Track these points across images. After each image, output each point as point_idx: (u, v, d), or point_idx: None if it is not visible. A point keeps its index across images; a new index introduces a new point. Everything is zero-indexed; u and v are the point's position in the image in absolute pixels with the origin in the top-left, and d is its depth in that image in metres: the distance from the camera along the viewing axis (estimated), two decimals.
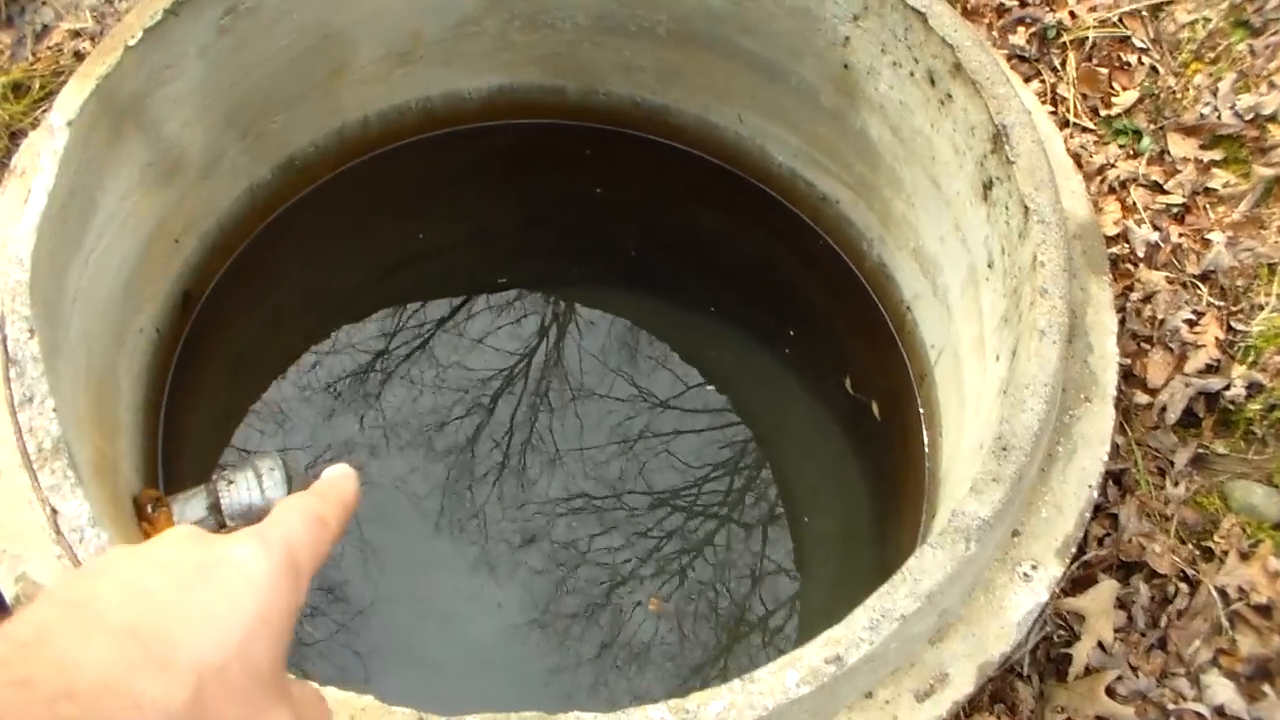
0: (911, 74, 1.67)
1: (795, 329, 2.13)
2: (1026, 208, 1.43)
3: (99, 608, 0.53)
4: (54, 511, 1.23)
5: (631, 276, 2.24)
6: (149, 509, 1.57)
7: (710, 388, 2.10)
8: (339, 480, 0.71)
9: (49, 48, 2.30)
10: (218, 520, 1.59)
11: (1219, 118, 2.06)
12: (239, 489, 1.61)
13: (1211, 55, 2.15)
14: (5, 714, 0.48)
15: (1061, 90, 2.17)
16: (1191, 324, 1.90)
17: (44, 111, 2.15)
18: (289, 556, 0.61)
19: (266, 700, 0.56)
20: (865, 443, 2.02)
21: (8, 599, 1.26)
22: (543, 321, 2.17)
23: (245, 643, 0.55)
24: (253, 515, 1.61)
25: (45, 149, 1.45)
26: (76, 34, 2.30)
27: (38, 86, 2.22)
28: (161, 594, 0.55)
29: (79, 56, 2.26)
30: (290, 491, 1.64)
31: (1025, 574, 1.30)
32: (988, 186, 1.57)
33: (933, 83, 1.63)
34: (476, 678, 1.86)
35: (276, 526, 0.63)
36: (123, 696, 0.50)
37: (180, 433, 1.90)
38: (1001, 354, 1.52)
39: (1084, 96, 2.16)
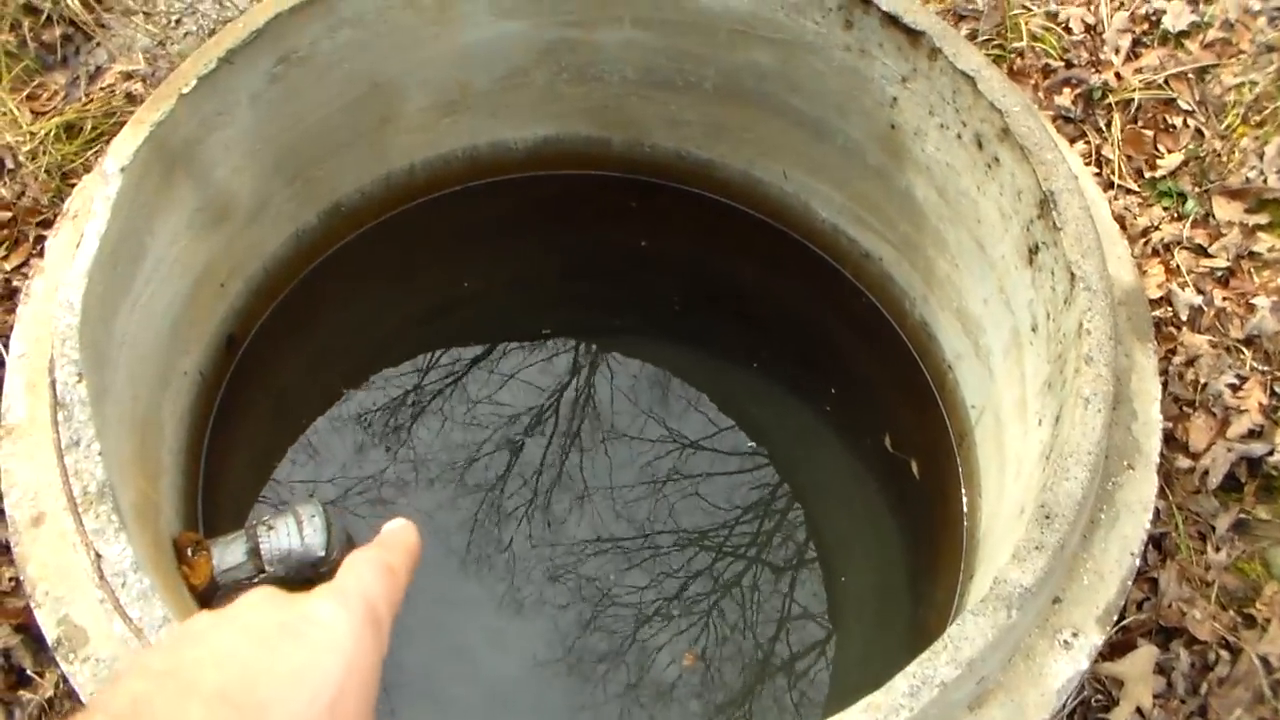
0: (959, 136, 1.68)
1: (836, 385, 2.13)
2: (1073, 274, 1.42)
3: (190, 675, 0.54)
4: (98, 556, 1.24)
5: (673, 329, 2.25)
6: (189, 552, 1.58)
7: (751, 444, 2.09)
8: (400, 531, 0.74)
9: (102, 89, 2.34)
10: (256, 565, 1.60)
11: (1265, 181, 2.06)
12: (279, 535, 1.61)
13: (1258, 119, 2.15)
14: None
15: (1106, 152, 2.17)
16: (1235, 389, 1.90)
17: (96, 153, 2.19)
18: (368, 609, 0.62)
19: None
20: (903, 501, 2.01)
21: (50, 640, 1.27)
22: (585, 372, 2.17)
23: (335, 699, 0.56)
24: (291, 561, 1.62)
25: (98, 194, 1.47)
26: (129, 76, 2.34)
27: (90, 127, 2.26)
28: (250, 657, 0.56)
29: (131, 98, 2.29)
30: (329, 538, 1.65)
31: (1066, 641, 1.29)
32: (1033, 251, 1.56)
33: (980, 146, 1.64)
34: (500, 712, 1.86)
35: (351, 580, 0.64)
36: None
37: (220, 475, 1.91)
38: (1044, 418, 1.51)
39: (1129, 158, 2.16)
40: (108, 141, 2.11)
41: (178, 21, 2.45)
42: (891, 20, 1.66)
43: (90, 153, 2.21)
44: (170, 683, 0.54)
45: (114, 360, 1.52)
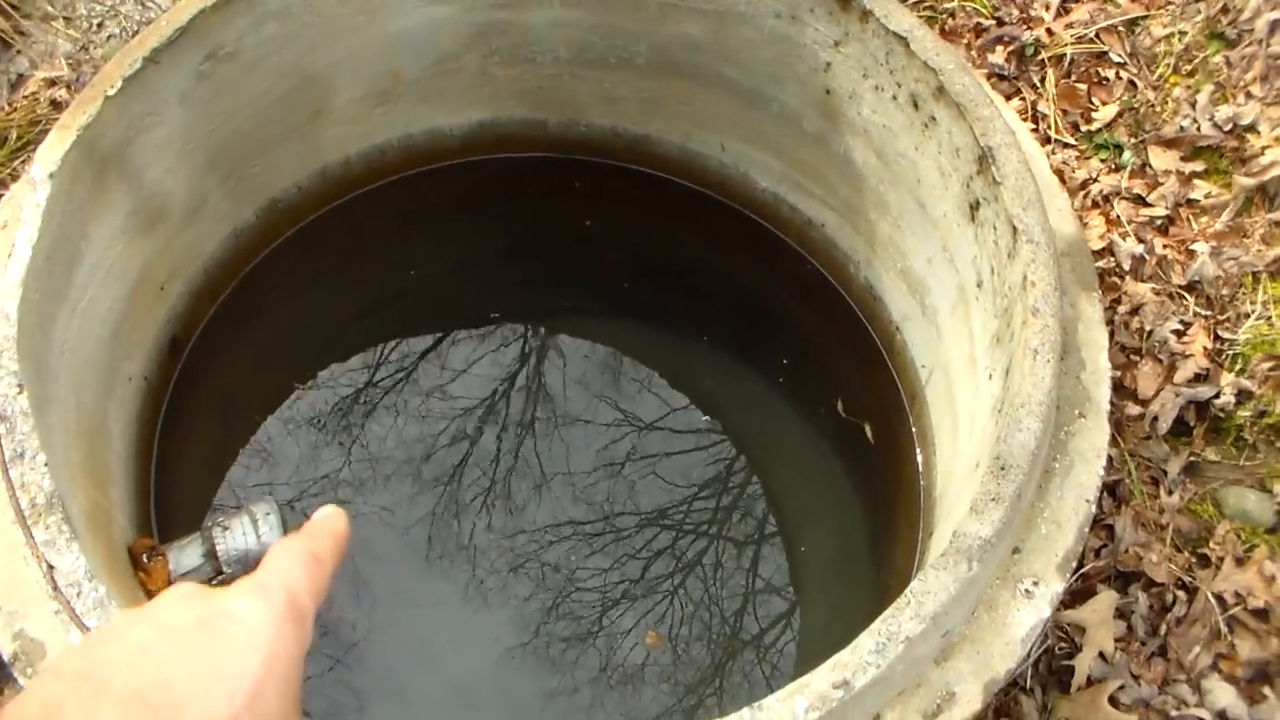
0: (894, 98, 1.68)
1: (786, 354, 2.13)
2: (1015, 228, 1.43)
3: (104, 676, 0.53)
4: (50, 567, 1.22)
5: (622, 307, 2.24)
6: (144, 558, 1.56)
7: (705, 419, 2.09)
8: (328, 518, 0.74)
9: (25, 97, 2.30)
10: (214, 567, 1.58)
11: (1199, 129, 2.08)
12: (234, 535, 1.59)
13: (1189, 68, 2.17)
14: None
15: (1042, 107, 2.18)
16: (1179, 334, 1.92)
17: (22, 163, 2.15)
18: (290, 600, 0.61)
19: None
20: (859, 464, 2.02)
21: (5, 656, 1.25)
22: (535, 355, 2.16)
23: (253, 695, 0.55)
24: (249, 561, 1.60)
25: (27, 202, 1.44)
26: (52, 83, 2.30)
27: (15, 137, 2.22)
28: (165, 656, 0.55)
29: (56, 105, 2.26)
30: (286, 535, 1.63)
31: (1027, 590, 1.30)
32: (975, 208, 1.57)
33: (916, 106, 1.64)
34: (470, 707, 1.85)
35: (273, 572, 0.63)
36: None
37: (172, 479, 1.89)
38: (994, 373, 1.52)
39: (1064, 113, 2.17)
40: (34, 150, 2.08)
41: (99, 25, 2.42)
42: None
43: (16, 162, 2.18)
44: (83, 684, 0.53)
45: (55, 369, 1.49)
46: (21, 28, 2.38)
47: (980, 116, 1.52)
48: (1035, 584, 1.31)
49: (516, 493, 2.02)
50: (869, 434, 2.01)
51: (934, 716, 1.23)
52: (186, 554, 1.57)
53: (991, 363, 1.54)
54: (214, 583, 1.58)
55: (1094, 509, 1.37)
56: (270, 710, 0.55)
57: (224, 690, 0.54)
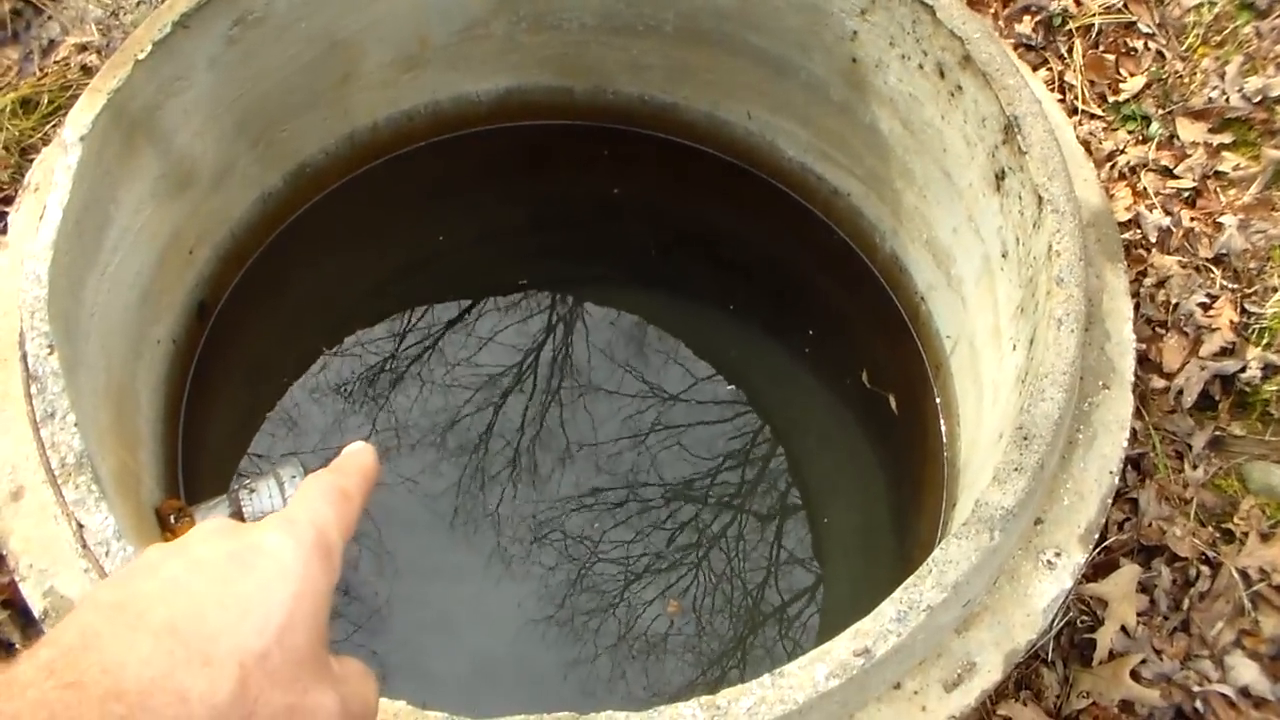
0: (920, 66, 1.67)
1: (811, 324, 2.13)
2: (1040, 197, 1.43)
3: (139, 608, 0.54)
4: (79, 525, 1.24)
5: (649, 275, 2.25)
6: (171, 519, 1.58)
7: (730, 388, 2.10)
8: (356, 454, 0.73)
9: (56, 62, 2.31)
10: None
11: (1227, 101, 2.07)
12: (261, 496, 1.61)
13: (1218, 39, 2.15)
14: (58, 716, 0.49)
15: (1069, 78, 2.17)
16: (1206, 308, 1.91)
17: (53, 127, 2.16)
18: (318, 536, 0.62)
19: (311, 681, 0.57)
20: (883, 435, 2.02)
21: (36, 612, 1.27)
22: (562, 324, 2.17)
23: (284, 627, 0.56)
24: None
25: (59, 165, 1.45)
26: (83, 48, 2.31)
27: (46, 101, 2.23)
28: (198, 589, 0.56)
29: (86, 70, 2.27)
30: None
31: (1049, 561, 1.31)
32: (1000, 177, 1.57)
33: (942, 75, 1.63)
34: (495, 675, 1.86)
35: (302, 508, 0.64)
36: (169, 693, 0.51)
37: (199, 442, 1.91)
38: (1019, 343, 1.52)
39: (1091, 83, 2.16)
40: (65, 115, 2.09)
41: None
42: None
43: (48, 127, 2.19)
44: (119, 615, 0.54)
45: (85, 331, 1.51)
46: None
47: (1006, 85, 1.52)
48: (1057, 555, 1.31)
49: (541, 462, 2.02)
50: (893, 405, 2.01)
51: (954, 686, 1.23)
52: (214, 515, 1.58)
53: (1016, 333, 1.54)
54: None
55: (1117, 481, 1.37)
56: (299, 643, 0.56)
57: (254, 623, 0.55)
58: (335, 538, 0.63)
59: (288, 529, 0.61)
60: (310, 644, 0.57)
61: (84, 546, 1.24)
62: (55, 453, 1.28)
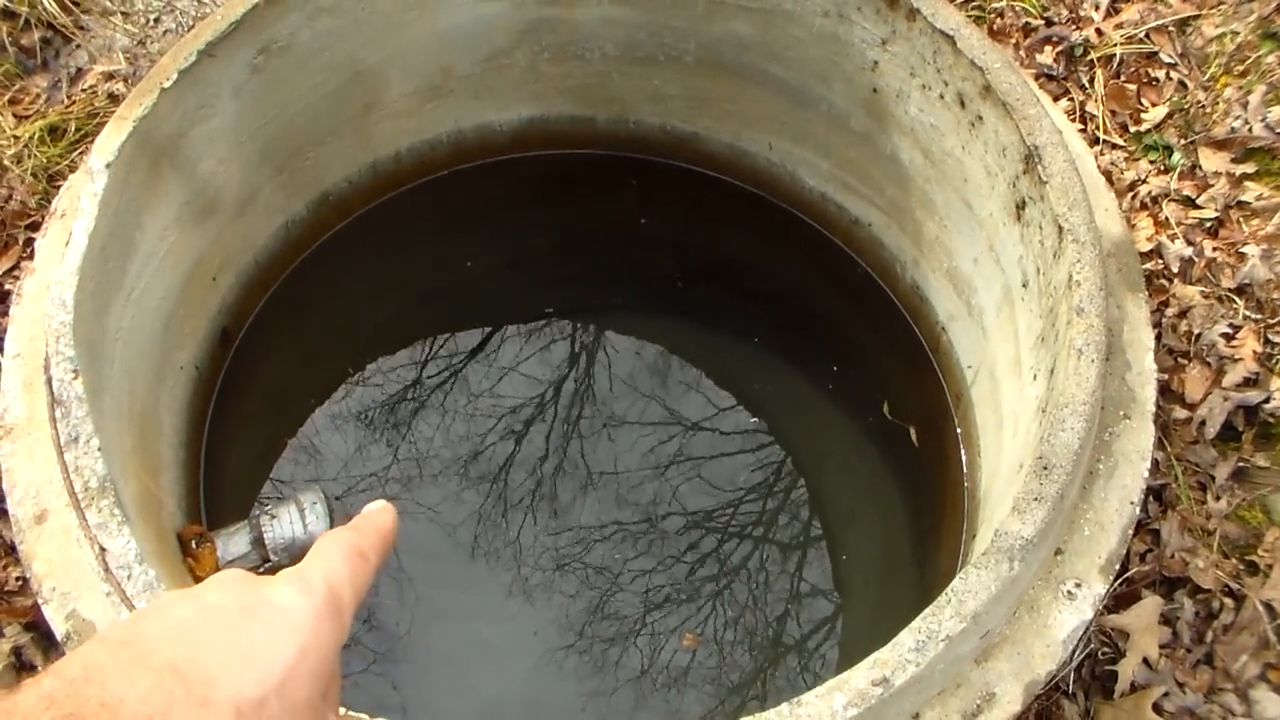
0: (941, 96, 1.68)
1: (833, 355, 2.13)
2: (1061, 227, 1.43)
3: (145, 647, 0.55)
4: (102, 549, 1.24)
5: (672, 305, 2.25)
6: (193, 544, 1.59)
7: (753, 420, 2.10)
8: (376, 515, 0.74)
9: (83, 90, 2.34)
10: (261, 554, 1.60)
11: (1250, 131, 2.06)
12: (281, 523, 1.62)
13: (1240, 68, 2.15)
14: None
15: (1090, 108, 2.17)
16: (1228, 338, 1.90)
17: (81, 154, 2.18)
18: (330, 594, 0.63)
19: None
20: (904, 465, 2.02)
21: (59, 635, 1.27)
22: (586, 353, 2.17)
23: (285, 680, 0.57)
24: (295, 549, 1.62)
25: (85, 191, 1.47)
26: (110, 76, 2.34)
27: (74, 129, 2.25)
28: (205, 634, 0.58)
29: (113, 98, 2.29)
30: (332, 525, 1.65)
31: (1069, 592, 1.30)
32: (1020, 207, 1.57)
33: (963, 105, 1.64)
34: (515, 703, 1.86)
35: (317, 565, 0.65)
36: None
37: (221, 468, 1.91)
38: (1039, 373, 1.51)
39: (1113, 113, 2.16)
40: (92, 142, 2.11)
41: (156, 20, 2.45)
42: None
43: (75, 154, 2.21)
44: (124, 652, 0.55)
45: (109, 356, 1.52)
46: (81, 22, 2.41)
47: (1027, 115, 1.52)
48: (1078, 586, 1.30)
49: (562, 492, 2.03)
50: (914, 437, 2.01)
51: (974, 717, 1.23)
52: (234, 541, 1.59)
53: (1036, 363, 1.54)
54: (261, 570, 1.60)
55: (1138, 511, 1.36)
56: (299, 698, 0.58)
57: (256, 672, 0.56)
58: (347, 597, 0.65)
59: (301, 585, 0.63)
60: (310, 699, 0.59)
61: (106, 570, 1.24)
62: (79, 477, 1.28)
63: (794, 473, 2.07)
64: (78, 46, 2.40)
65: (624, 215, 2.28)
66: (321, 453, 2.04)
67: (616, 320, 2.21)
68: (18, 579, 1.77)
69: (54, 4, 2.38)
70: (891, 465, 2.05)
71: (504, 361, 2.15)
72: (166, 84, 1.59)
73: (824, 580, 1.96)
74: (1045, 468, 1.26)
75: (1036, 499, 1.24)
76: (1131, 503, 1.37)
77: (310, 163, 1.99)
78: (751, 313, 2.23)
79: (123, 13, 2.45)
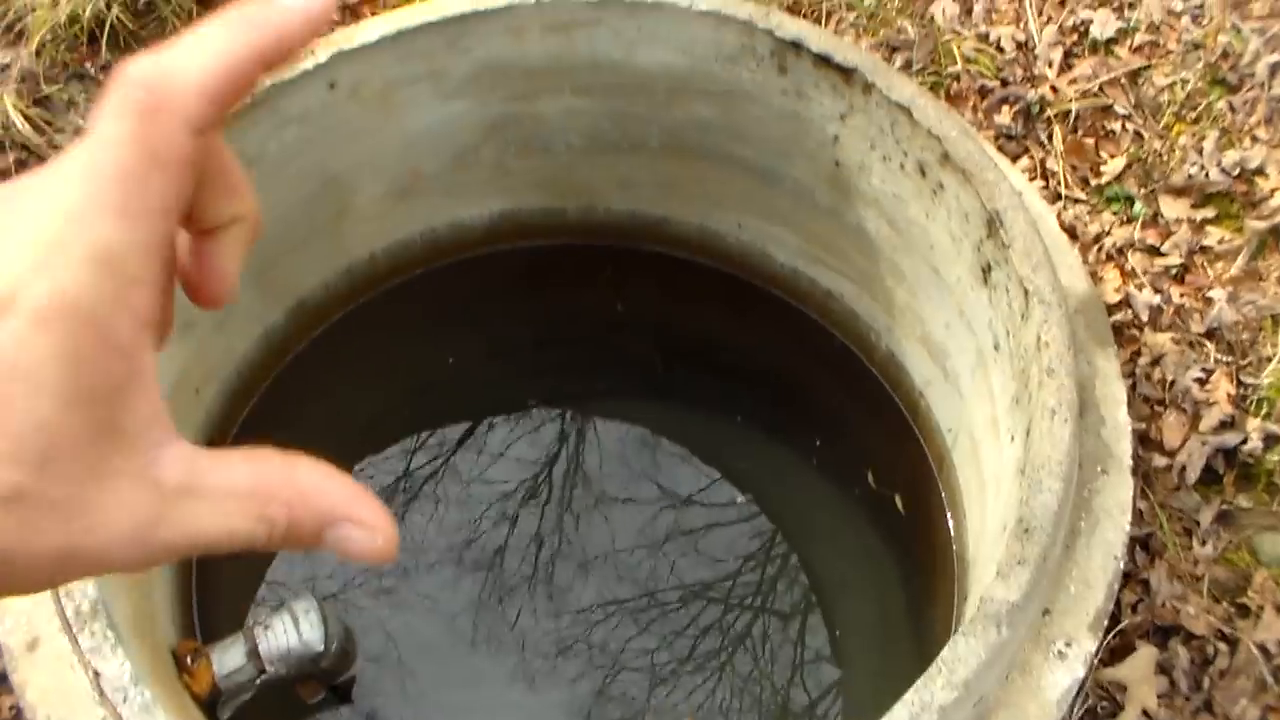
0: (902, 166, 1.71)
1: (816, 428, 2.15)
2: (1026, 290, 1.45)
3: None
4: (96, 673, 1.25)
5: (655, 389, 2.27)
6: (188, 660, 1.59)
7: (741, 498, 2.11)
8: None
9: None
10: (257, 666, 1.60)
11: (1207, 176, 2.10)
12: (275, 633, 1.62)
13: (1193, 115, 2.19)
14: None
15: (1050, 164, 2.21)
16: (1202, 382, 1.92)
17: None
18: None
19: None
20: (893, 532, 2.03)
21: None
22: (573, 442, 2.18)
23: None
24: (291, 659, 1.63)
25: None
26: None
27: None
28: None
29: None
30: (327, 630, 1.66)
31: (1060, 651, 1.31)
32: (986, 270, 1.59)
33: (923, 174, 1.67)
34: None
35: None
36: None
37: (213, 576, 1.91)
38: (1016, 434, 1.53)
39: (1073, 168, 2.20)
40: None
41: None
42: (823, 61, 1.70)
43: None
44: None
45: None
46: (55, 142, 2.44)
47: (986, 181, 1.54)
48: (1068, 644, 1.31)
49: (558, 577, 2.03)
50: (899, 505, 2.02)
51: None
52: (230, 655, 1.59)
53: (1012, 424, 1.56)
54: (258, 681, 1.61)
55: (1123, 565, 1.38)
56: (60, 467, 0.36)
57: None
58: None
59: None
60: (76, 445, 0.36)
61: (101, 694, 1.25)
62: (70, 600, 1.29)
63: (785, 546, 2.08)
64: None
65: (601, 302, 2.30)
66: (317, 556, 2.04)
67: (600, 407, 2.23)
68: (11, 708, 1.76)
69: (27, 126, 2.41)
70: (881, 532, 2.06)
71: (491, 454, 2.16)
72: None
73: (822, 650, 1.97)
74: (1026, 530, 1.27)
75: (1019, 562, 1.25)
76: (1115, 557, 1.38)
77: (285, 271, 2.01)
78: (733, 391, 2.24)
79: None
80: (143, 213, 0.38)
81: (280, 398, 2.10)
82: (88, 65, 2.53)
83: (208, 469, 0.39)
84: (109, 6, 2.50)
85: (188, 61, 0.39)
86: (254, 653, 1.59)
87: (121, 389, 0.37)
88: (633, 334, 2.30)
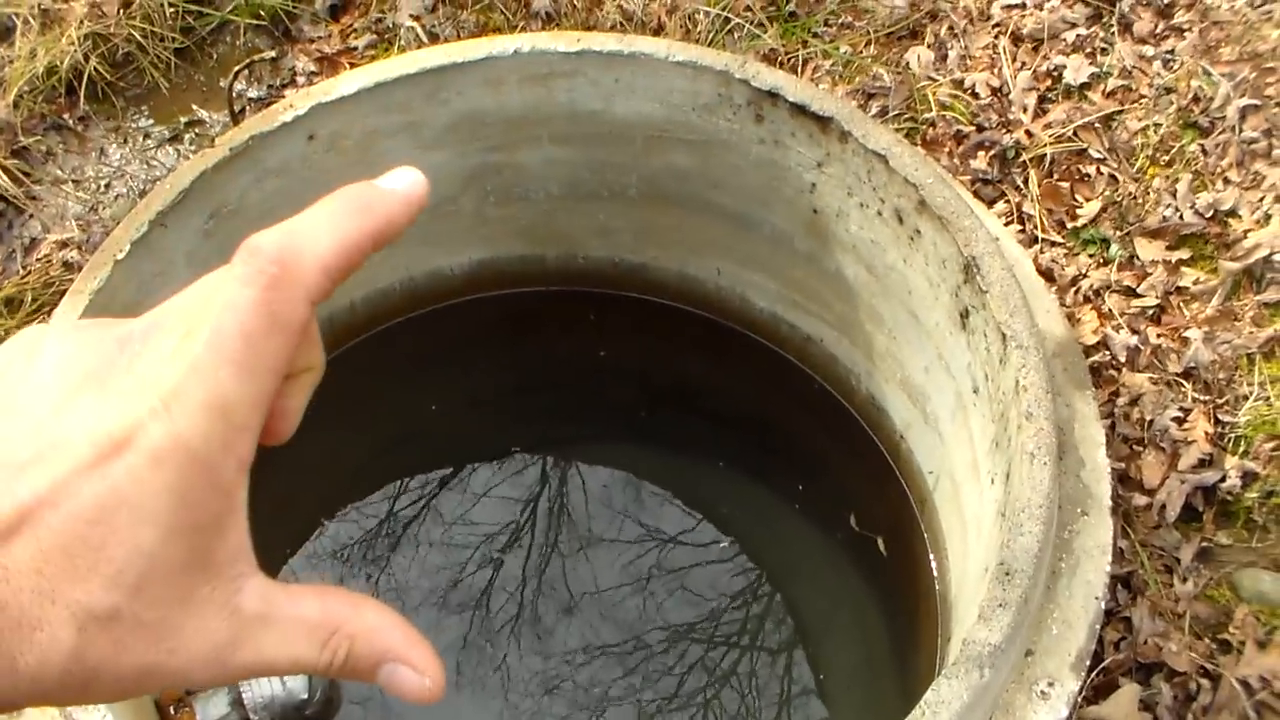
0: (879, 213, 1.72)
1: (798, 471, 2.16)
2: (1004, 334, 1.46)
3: None
4: None
5: (637, 434, 2.28)
6: (172, 710, 1.58)
7: (724, 541, 2.11)
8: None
9: (38, 260, 2.36)
10: (241, 715, 1.60)
11: (1181, 218, 2.12)
12: (260, 682, 1.62)
13: (1166, 158, 2.21)
14: None
15: (1027, 208, 2.23)
16: (1180, 421, 1.94)
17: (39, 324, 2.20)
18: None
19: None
20: (876, 574, 2.04)
21: None
22: (556, 489, 2.19)
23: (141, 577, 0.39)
24: (275, 707, 1.62)
25: None
26: (64, 244, 2.36)
27: (30, 299, 2.27)
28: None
29: (68, 267, 2.31)
30: (311, 681, 1.65)
31: (1043, 692, 1.32)
32: (965, 315, 1.61)
33: (900, 220, 1.68)
34: None
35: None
36: None
37: None
38: (996, 477, 1.54)
39: (1049, 211, 2.22)
40: (49, 312, 2.13)
41: (107, 185, 2.48)
42: (800, 110, 1.72)
43: (32, 324, 2.22)
44: None
45: None
46: (33, 192, 2.45)
47: (962, 227, 1.56)
48: (1050, 685, 1.32)
49: (544, 617, 2.03)
50: (882, 547, 2.03)
51: None
52: (214, 704, 1.59)
53: (993, 467, 1.57)
54: None
55: (1104, 605, 1.39)
56: (158, 592, 0.39)
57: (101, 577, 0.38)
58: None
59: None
60: (170, 575, 0.40)
61: None
62: None
63: (769, 588, 2.08)
64: (30, 217, 2.43)
65: (583, 348, 2.31)
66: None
67: (584, 452, 2.23)
68: None
69: (4, 177, 2.41)
70: (864, 574, 2.07)
71: (474, 500, 2.16)
72: (120, 255, 1.62)
73: (807, 691, 1.97)
74: (1007, 573, 1.28)
75: (1001, 605, 1.26)
76: (1096, 598, 1.39)
77: None
78: (715, 435, 2.25)
79: (74, 180, 2.48)
80: (259, 370, 0.41)
81: (262, 448, 2.09)
82: (65, 116, 2.55)
83: (283, 601, 0.43)
84: (86, 58, 2.52)
85: (313, 241, 0.43)
86: (238, 701, 1.59)
87: (219, 524, 0.41)
88: (615, 379, 2.31)
